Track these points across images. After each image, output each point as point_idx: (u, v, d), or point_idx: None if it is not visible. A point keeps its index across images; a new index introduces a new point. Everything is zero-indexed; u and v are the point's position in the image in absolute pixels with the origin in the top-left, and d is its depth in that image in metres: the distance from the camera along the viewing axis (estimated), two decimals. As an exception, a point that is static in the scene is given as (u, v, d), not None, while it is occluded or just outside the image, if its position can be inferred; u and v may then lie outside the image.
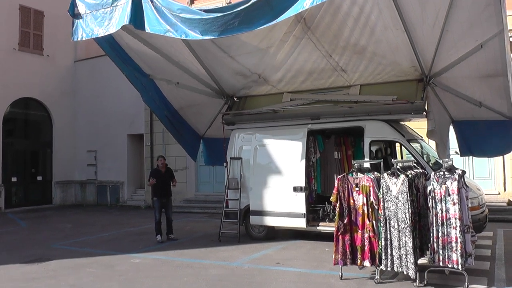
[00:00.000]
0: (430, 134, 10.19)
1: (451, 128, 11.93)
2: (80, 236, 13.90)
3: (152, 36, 9.71)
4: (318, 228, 11.19)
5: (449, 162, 7.59)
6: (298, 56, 10.34)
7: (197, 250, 11.23)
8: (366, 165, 8.83)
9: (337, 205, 7.87)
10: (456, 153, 15.33)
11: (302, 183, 11.02)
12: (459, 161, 15.13)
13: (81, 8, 10.15)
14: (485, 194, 11.26)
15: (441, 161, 9.94)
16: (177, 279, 8.59)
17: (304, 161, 11.12)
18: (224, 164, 12.64)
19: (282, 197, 11.28)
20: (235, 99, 12.88)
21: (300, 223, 11.00)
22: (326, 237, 10.65)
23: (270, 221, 11.55)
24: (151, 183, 12.67)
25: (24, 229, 16.16)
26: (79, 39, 10.21)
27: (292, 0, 7.22)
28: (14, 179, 22.67)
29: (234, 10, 8.00)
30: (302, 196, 10.98)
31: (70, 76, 24.81)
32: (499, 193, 14.88)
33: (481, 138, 11.39)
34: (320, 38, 9.51)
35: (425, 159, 10.42)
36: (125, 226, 15.84)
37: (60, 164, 24.55)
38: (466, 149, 12.06)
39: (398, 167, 7.67)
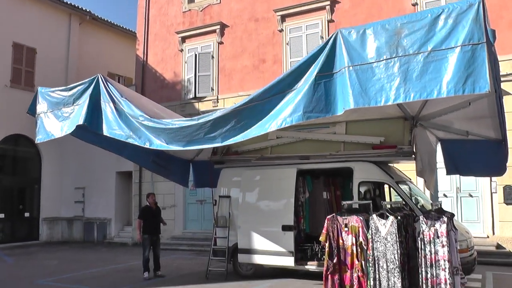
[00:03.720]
0: (419, 174, 10.22)
1: (438, 148, 11.81)
2: (66, 272, 13.74)
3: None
4: (306, 267, 11.16)
5: (437, 205, 7.72)
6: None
7: (184, 287, 11.18)
8: (355, 205, 8.88)
9: (327, 244, 7.93)
10: (445, 195, 15.53)
11: (291, 222, 11.04)
12: (447, 205, 15.26)
13: (43, 106, 10.19)
14: (474, 237, 11.26)
15: (425, 203, 10.05)
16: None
17: (293, 200, 11.17)
18: (213, 202, 12.68)
19: (270, 235, 11.27)
20: None
21: (289, 262, 10.96)
22: (314, 275, 10.64)
23: (258, 260, 11.50)
24: (138, 238, 12.71)
25: (10, 265, 16.01)
26: (41, 141, 10.30)
27: (258, 118, 7.24)
28: (1, 215, 22.45)
29: (199, 122, 8.03)
30: (290, 235, 10.98)
31: (60, 112, 24.85)
32: (488, 237, 14.92)
33: (468, 157, 11.07)
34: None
35: (413, 201, 10.49)
36: (112, 263, 15.69)
37: (47, 200, 24.40)
38: (452, 168, 11.77)
39: (387, 208, 7.77)
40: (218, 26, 20.65)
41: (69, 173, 24.50)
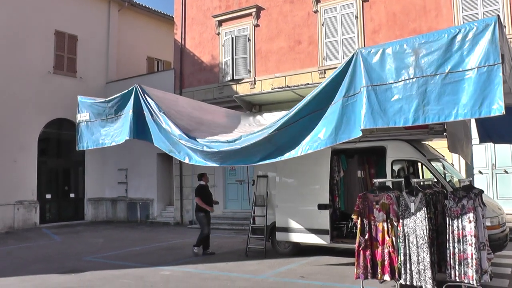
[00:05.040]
0: (452, 149, 10.19)
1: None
2: (111, 250, 14.48)
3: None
4: (341, 244, 11.51)
5: (466, 182, 7.93)
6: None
7: (225, 263, 11.69)
8: (388, 183, 9.10)
9: (358, 221, 8.23)
10: (480, 172, 15.60)
11: (326, 201, 11.33)
12: (483, 181, 15.34)
13: (85, 115, 10.41)
14: (509, 214, 11.22)
15: (457, 180, 10.19)
16: (205, 291, 9.05)
17: (328, 179, 11.44)
18: (252, 181, 13.13)
19: (307, 214, 11.61)
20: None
21: (324, 240, 11.28)
22: (350, 253, 10.96)
23: (295, 237, 11.87)
24: (211, 209, 13.27)
25: (59, 243, 16.86)
26: (84, 148, 10.53)
27: (291, 140, 7.38)
28: (48, 196, 23.76)
29: (233, 148, 8.15)
30: (326, 213, 11.28)
31: (102, 97, 25.21)
32: (523, 213, 14.96)
33: (500, 124, 10.55)
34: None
35: (446, 178, 10.66)
36: (155, 241, 16.39)
37: (91, 181, 25.57)
38: (485, 136, 11.50)
39: (416, 185, 8.03)
40: (254, 9, 20.90)
41: (111, 155, 25.20)
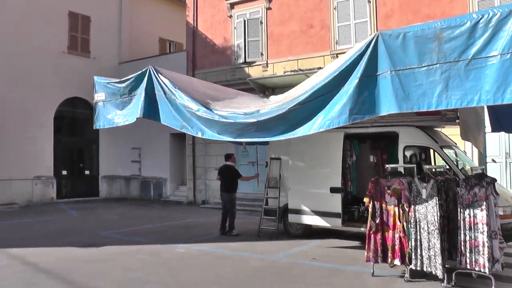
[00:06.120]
0: (464, 137, 10.09)
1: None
2: (127, 226, 14.83)
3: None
4: (352, 228, 11.69)
5: (479, 170, 8.01)
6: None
7: (237, 243, 11.94)
8: (400, 169, 9.22)
9: (370, 205, 8.40)
10: (494, 161, 15.60)
11: (338, 184, 11.45)
12: (496, 170, 15.34)
13: (101, 95, 10.81)
14: None
15: (469, 168, 10.26)
16: (219, 269, 9.30)
17: (340, 163, 11.55)
18: (265, 164, 13.32)
19: (319, 197, 11.76)
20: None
21: (336, 223, 11.44)
22: (360, 236, 11.15)
23: (307, 220, 12.04)
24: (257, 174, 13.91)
25: (76, 218, 17.40)
26: (101, 127, 10.97)
27: (307, 118, 7.46)
28: (64, 172, 24.50)
29: (249, 121, 8.28)
30: (338, 197, 11.41)
31: (115, 77, 25.33)
32: (538, 204, 14.92)
33: None
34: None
35: (458, 165, 10.75)
36: (169, 219, 16.73)
37: (105, 159, 26.20)
38: (497, 125, 11.34)
39: (428, 172, 8.18)
40: (266, -8, 20.94)
41: (125, 134, 25.23)
